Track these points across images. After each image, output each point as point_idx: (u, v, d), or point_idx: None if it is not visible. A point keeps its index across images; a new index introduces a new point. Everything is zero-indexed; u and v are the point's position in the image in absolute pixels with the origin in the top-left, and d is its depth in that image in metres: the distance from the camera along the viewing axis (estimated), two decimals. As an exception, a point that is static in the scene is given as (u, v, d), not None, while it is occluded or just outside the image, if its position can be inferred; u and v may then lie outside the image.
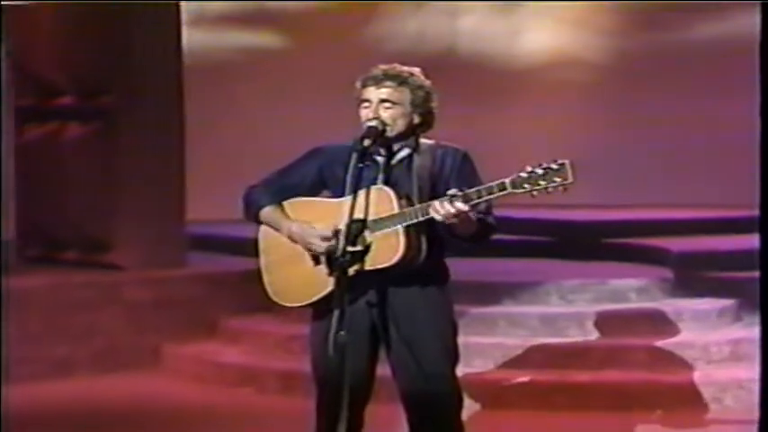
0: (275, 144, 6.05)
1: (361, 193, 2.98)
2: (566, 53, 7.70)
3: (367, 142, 3.00)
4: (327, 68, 7.08)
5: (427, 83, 3.11)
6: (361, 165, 2.97)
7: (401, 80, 3.07)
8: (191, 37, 6.30)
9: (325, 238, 3.05)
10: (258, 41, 7.67)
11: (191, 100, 5.92)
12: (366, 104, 3.10)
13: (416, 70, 3.12)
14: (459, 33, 7.79)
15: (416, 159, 3.09)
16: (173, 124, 5.79)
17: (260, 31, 7.68)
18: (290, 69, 7.44)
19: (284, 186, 3.17)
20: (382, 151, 3.10)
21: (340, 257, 2.93)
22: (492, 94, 7.51)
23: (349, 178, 2.99)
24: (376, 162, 3.09)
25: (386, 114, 3.06)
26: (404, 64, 3.17)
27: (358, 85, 3.11)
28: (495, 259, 5.69)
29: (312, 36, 7.50)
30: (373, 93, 3.08)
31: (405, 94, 3.07)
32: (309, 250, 3.08)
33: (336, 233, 3.03)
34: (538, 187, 2.87)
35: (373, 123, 3.05)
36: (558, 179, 2.86)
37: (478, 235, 3.04)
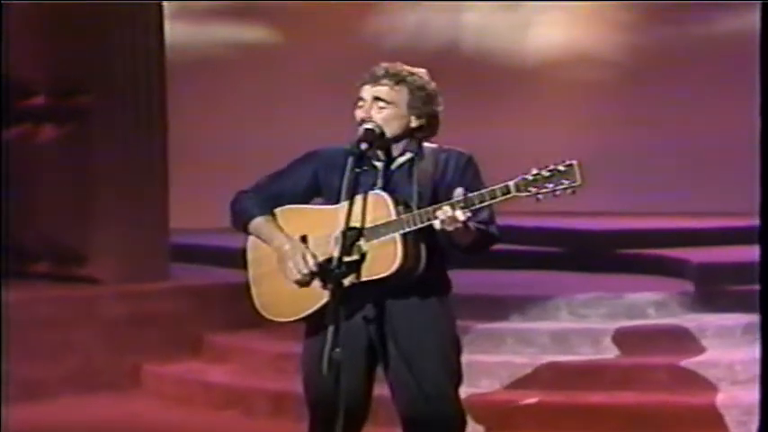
0: (266, 147, 6.05)
1: (358, 200, 2.99)
2: (578, 49, 7.71)
3: (364, 146, 3.02)
4: (322, 66, 7.10)
5: (431, 85, 3.12)
6: (357, 170, 2.99)
7: (399, 79, 3.08)
8: (174, 31, 6.31)
9: (309, 264, 3.03)
10: (248, 36, 7.66)
11: (174, 99, 5.88)
12: (361, 103, 3.11)
13: (421, 71, 3.13)
14: (463, 28, 7.79)
15: (418, 164, 3.10)
16: (154, 125, 5.77)
17: (250, 24, 7.67)
18: (282, 67, 7.44)
19: (276, 193, 3.17)
20: (381, 156, 3.12)
21: (335, 268, 2.94)
22: (498, 93, 7.51)
23: (345, 184, 3.00)
24: (374, 167, 3.11)
25: (379, 115, 3.08)
26: (403, 61, 3.17)
27: (357, 82, 3.13)
28: (501, 271, 5.70)
29: (306, 31, 7.50)
30: (368, 91, 3.09)
31: (401, 95, 3.08)
32: (296, 271, 3.07)
33: (325, 263, 3.03)
34: (544, 190, 2.87)
35: (371, 125, 3.06)
36: (565, 181, 2.86)
37: (478, 244, 3.05)
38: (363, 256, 3.01)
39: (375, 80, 3.08)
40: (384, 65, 3.12)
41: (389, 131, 3.08)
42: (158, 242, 5.78)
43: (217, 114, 7.30)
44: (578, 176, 2.86)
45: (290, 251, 3.09)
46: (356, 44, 7.24)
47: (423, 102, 3.09)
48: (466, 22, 7.79)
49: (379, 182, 3.10)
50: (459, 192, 2.94)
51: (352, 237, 2.99)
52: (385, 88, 3.08)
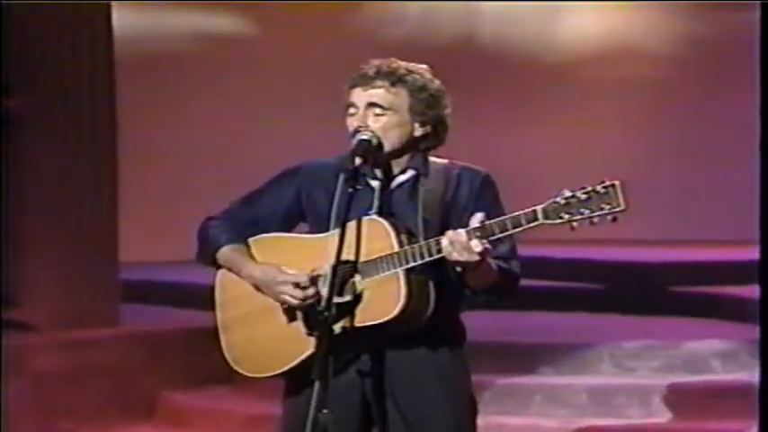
0: (238, 161, 6.07)
1: (351, 227, 2.99)
2: (619, 41, 7.75)
3: (358, 161, 3.01)
4: (306, 63, 7.13)
5: (435, 84, 3.12)
6: (350, 190, 2.99)
7: (396, 78, 3.08)
8: (125, 22, 6.34)
9: (301, 286, 3.06)
10: (217, 28, 7.71)
11: (125, 104, 5.97)
12: (352, 110, 3.12)
13: (422, 67, 3.14)
14: (479, 16, 7.84)
15: (423, 183, 3.12)
16: (101, 137, 5.87)
17: (219, 14, 7.72)
18: (257, 65, 7.46)
19: (250, 218, 3.18)
20: (378, 173, 3.13)
21: (323, 311, 2.94)
22: (520, 94, 7.53)
23: (335, 207, 3.00)
24: (370, 187, 3.11)
25: (375, 123, 3.09)
26: (405, 57, 3.20)
27: (346, 86, 3.13)
28: (526, 313, 5.68)
29: (286, 22, 7.52)
30: (360, 95, 3.10)
31: (401, 98, 3.09)
32: (281, 302, 3.09)
33: (316, 279, 3.05)
34: (579, 217, 2.88)
35: (366, 136, 3.07)
36: (605, 206, 2.86)
37: (497, 286, 3.05)
38: (358, 296, 3.01)
39: (367, 82, 3.08)
40: (375, 62, 3.11)
41: (389, 143, 3.08)
42: (105, 279, 5.88)
43: (177, 122, 7.31)
44: (621, 200, 2.85)
45: (265, 275, 3.08)
46: (347, 37, 7.27)
47: (426, 105, 3.09)
48: (482, 10, 7.83)
49: (376, 205, 3.09)
50: (476, 218, 2.96)
51: (344, 273, 2.98)
52: (380, 91, 3.09)
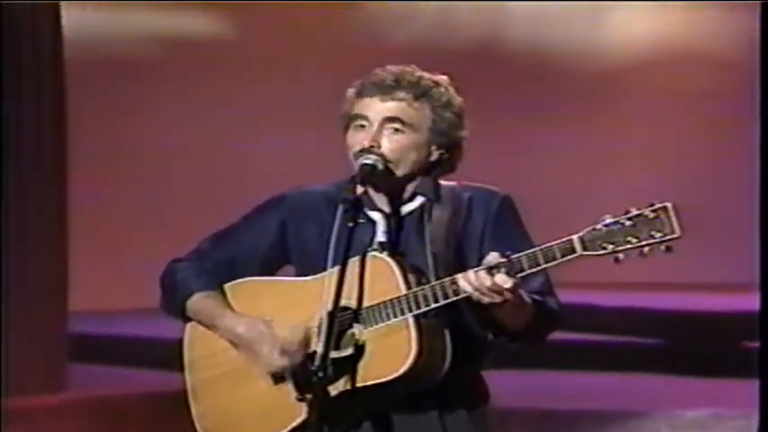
0: (207, 190, 6.06)
1: (351, 266, 3.00)
2: (676, 45, 7.78)
3: (360, 190, 3.04)
4: (293, 70, 7.14)
5: (458, 99, 3.16)
6: (351, 224, 3.00)
7: (421, 91, 3.10)
8: (77, 24, 6.35)
9: (286, 352, 3.07)
10: (183, 29, 7.74)
11: (75, 119, 5.98)
12: (361, 123, 3.14)
13: (443, 79, 3.17)
14: (508, 14, 7.86)
15: (432, 212, 3.13)
16: (47, 163, 5.83)
17: (186, 14, 7.75)
18: (232, 72, 7.48)
19: (226, 259, 3.20)
20: (381, 201, 3.14)
21: (317, 370, 2.94)
22: (558, 106, 7.54)
23: (332, 243, 3.01)
24: (369, 218, 3.13)
25: (390, 143, 3.10)
26: (419, 63, 3.20)
27: (351, 93, 3.15)
28: (567, 372, 5.71)
29: (269, 20, 7.56)
30: (375, 107, 3.11)
31: (422, 114, 3.11)
32: (266, 366, 3.10)
33: (310, 336, 3.05)
34: (626, 247, 2.89)
35: (370, 160, 3.08)
36: (656, 233, 2.87)
37: (534, 326, 3.05)
38: (360, 349, 3.03)
39: (385, 91, 3.10)
40: (393, 69, 3.12)
41: (403, 167, 3.11)
42: (50, 333, 5.80)
43: (137, 140, 7.32)
44: (675, 225, 2.87)
45: (247, 331, 3.10)
46: (346, 38, 7.28)
47: (449, 125, 3.12)
48: (512, 8, 7.85)
49: (378, 239, 3.11)
50: (493, 257, 2.95)
51: (342, 322, 3.01)
52: (402, 104, 3.10)
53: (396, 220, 3.13)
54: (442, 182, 3.18)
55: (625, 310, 6.25)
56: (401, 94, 3.10)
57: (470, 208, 3.14)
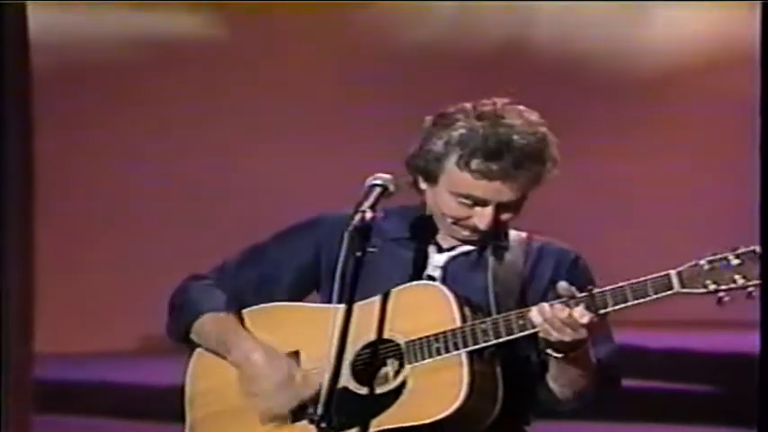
0: (195, 215, 6.09)
1: (395, 294, 2.99)
2: (732, 47, 7.83)
3: (369, 214, 3.25)
4: (294, 76, 7.20)
5: (556, 151, 3.42)
6: (358, 253, 3.17)
7: (546, 168, 3.28)
8: (46, 23, 6.39)
9: (301, 393, 3.11)
10: (172, 29, 7.79)
11: (42, 130, 6.03)
12: (466, 201, 3.20)
13: (551, 138, 3.38)
14: (536, 12, 7.92)
15: (493, 253, 3.13)
16: (11, 180, 5.87)
17: (175, 13, 7.81)
18: (226, 78, 7.54)
19: (252, 278, 3.32)
20: (442, 236, 3.32)
21: (347, 406, 2.99)
22: (592, 119, 7.62)
23: (376, 272, 3.13)
24: (422, 251, 3.28)
25: (496, 221, 3.31)
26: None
27: (457, 159, 3.26)
28: (612, 425, 5.73)
29: (266, 20, 7.63)
30: (496, 189, 3.23)
31: (531, 183, 3.35)
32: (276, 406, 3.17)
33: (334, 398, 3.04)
34: (729, 286, 2.99)
35: (380, 181, 3.26)
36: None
37: (588, 389, 3.16)
38: (402, 386, 3.03)
39: (506, 176, 3.18)
40: (511, 121, 3.25)
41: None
42: (16, 378, 5.83)
43: (114, 154, 7.37)
44: None
45: (263, 364, 3.11)
46: (351, 39, 7.33)
47: (538, 183, 3.28)
48: (539, 6, 7.90)
49: (429, 272, 3.16)
50: (562, 287, 2.98)
51: (384, 355, 2.99)
52: (523, 184, 3.26)
53: (450, 258, 3.20)
54: (512, 230, 3.27)
55: (674, 352, 6.26)
56: (523, 177, 3.24)
57: (539, 257, 3.22)
